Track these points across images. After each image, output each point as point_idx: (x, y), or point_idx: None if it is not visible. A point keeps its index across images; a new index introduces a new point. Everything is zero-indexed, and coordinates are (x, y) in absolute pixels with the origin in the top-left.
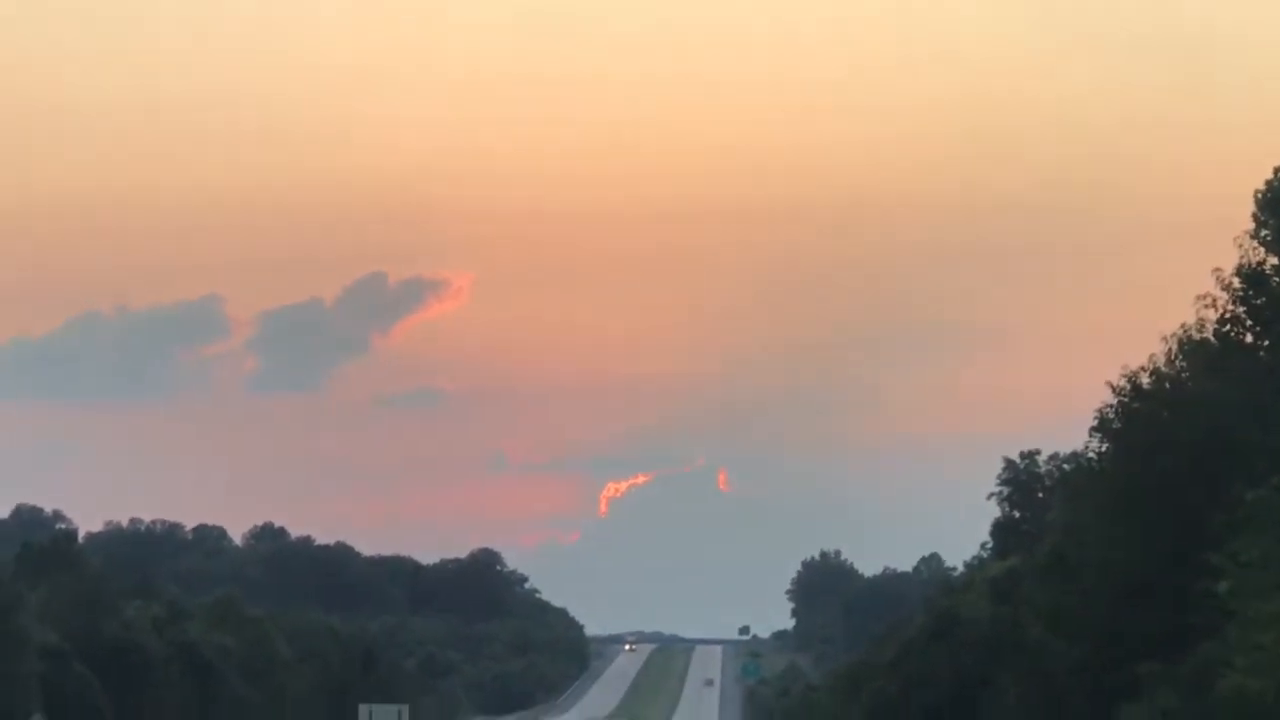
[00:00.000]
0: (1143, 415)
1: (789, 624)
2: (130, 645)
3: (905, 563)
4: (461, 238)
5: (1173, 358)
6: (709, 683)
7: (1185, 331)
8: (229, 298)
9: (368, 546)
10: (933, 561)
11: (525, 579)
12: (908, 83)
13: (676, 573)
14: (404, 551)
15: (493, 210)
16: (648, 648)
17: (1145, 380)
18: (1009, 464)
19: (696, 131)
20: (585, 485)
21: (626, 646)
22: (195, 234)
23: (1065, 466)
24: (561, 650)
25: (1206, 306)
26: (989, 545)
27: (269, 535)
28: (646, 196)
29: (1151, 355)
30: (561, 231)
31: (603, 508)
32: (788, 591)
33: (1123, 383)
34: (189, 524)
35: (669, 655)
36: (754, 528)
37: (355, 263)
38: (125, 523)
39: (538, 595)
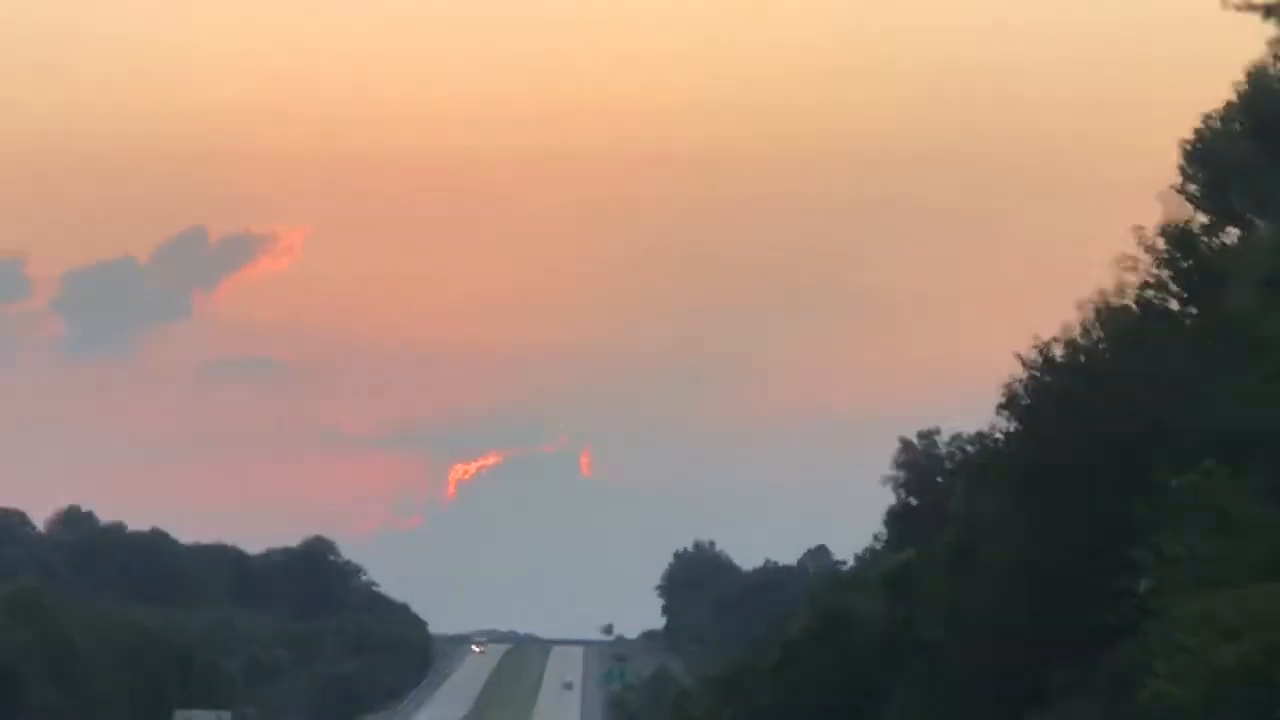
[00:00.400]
0: (1055, 391)
1: (658, 623)
2: None
3: (789, 555)
4: (293, 187)
5: (1089, 327)
6: (567, 686)
7: (1103, 298)
8: (30, 255)
9: (186, 533)
10: (819, 554)
11: (362, 570)
12: (795, 11)
13: (532, 565)
14: (226, 539)
15: (328, 155)
16: (499, 649)
17: (1058, 352)
18: (906, 445)
19: (554, 66)
20: (430, 465)
21: (475, 648)
22: None
23: (968, 448)
24: (402, 651)
25: (1127, 270)
26: (883, 536)
27: (75, 520)
28: (500, 140)
29: (1065, 324)
30: (406, 179)
31: (450, 490)
32: (657, 587)
33: (1033, 354)
34: None
35: (523, 657)
36: (620, 515)
37: (173, 215)
38: None
39: (376, 588)
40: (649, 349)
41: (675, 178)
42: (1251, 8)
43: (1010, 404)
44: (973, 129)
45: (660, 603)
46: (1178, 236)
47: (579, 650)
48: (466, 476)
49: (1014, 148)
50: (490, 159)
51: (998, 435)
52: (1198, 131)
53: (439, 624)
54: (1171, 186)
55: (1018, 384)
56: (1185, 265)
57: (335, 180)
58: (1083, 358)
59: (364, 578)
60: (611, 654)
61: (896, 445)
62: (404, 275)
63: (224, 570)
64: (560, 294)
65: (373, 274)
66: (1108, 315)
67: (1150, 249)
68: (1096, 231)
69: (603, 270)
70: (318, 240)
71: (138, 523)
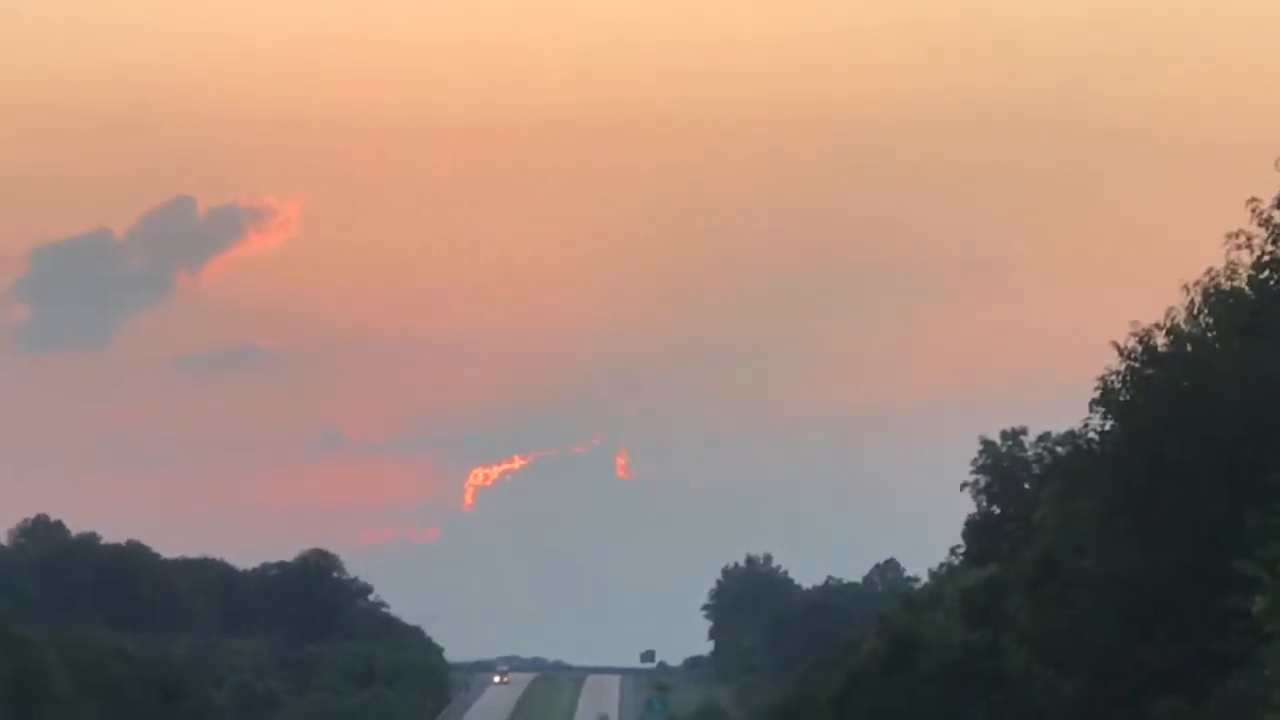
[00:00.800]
0: (1157, 385)
1: (705, 648)
2: None
3: (854, 572)
4: (289, 155)
5: (1196, 312)
6: (603, 718)
7: (1212, 279)
8: None
9: (168, 547)
10: (889, 570)
11: (369, 589)
12: None
13: (561, 583)
14: (214, 553)
15: (328, 119)
16: (525, 678)
17: (1160, 341)
18: (987, 446)
19: (581, 19)
20: (446, 470)
21: (496, 678)
22: None
23: (1058, 450)
24: (415, 680)
25: (1239, 247)
26: (961, 550)
27: (41, 532)
28: (522, 104)
29: (1169, 309)
30: (416, 147)
31: (468, 499)
32: (704, 608)
33: (1132, 344)
34: None
35: (552, 688)
36: (661, 526)
37: (154, 186)
38: None
39: (385, 610)
40: (693, 336)
41: (724, 143)
42: None
43: (1106, 400)
44: (1065, 89)
45: (707, 625)
46: None
47: (615, 679)
48: (487, 482)
49: (1112, 109)
50: (511, 125)
51: (1091, 435)
52: None
53: (456, 650)
54: None
55: (1114, 377)
56: None
57: (335, 147)
58: (1189, 347)
59: (371, 598)
60: (652, 684)
61: (977, 446)
62: (414, 255)
63: (210, 588)
64: (592, 275)
65: (378, 253)
66: (1217, 299)
67: (1267, 223)
68: (1205, 204)
69: (640, 248)
70: (316, 214)
71: (113, 534)
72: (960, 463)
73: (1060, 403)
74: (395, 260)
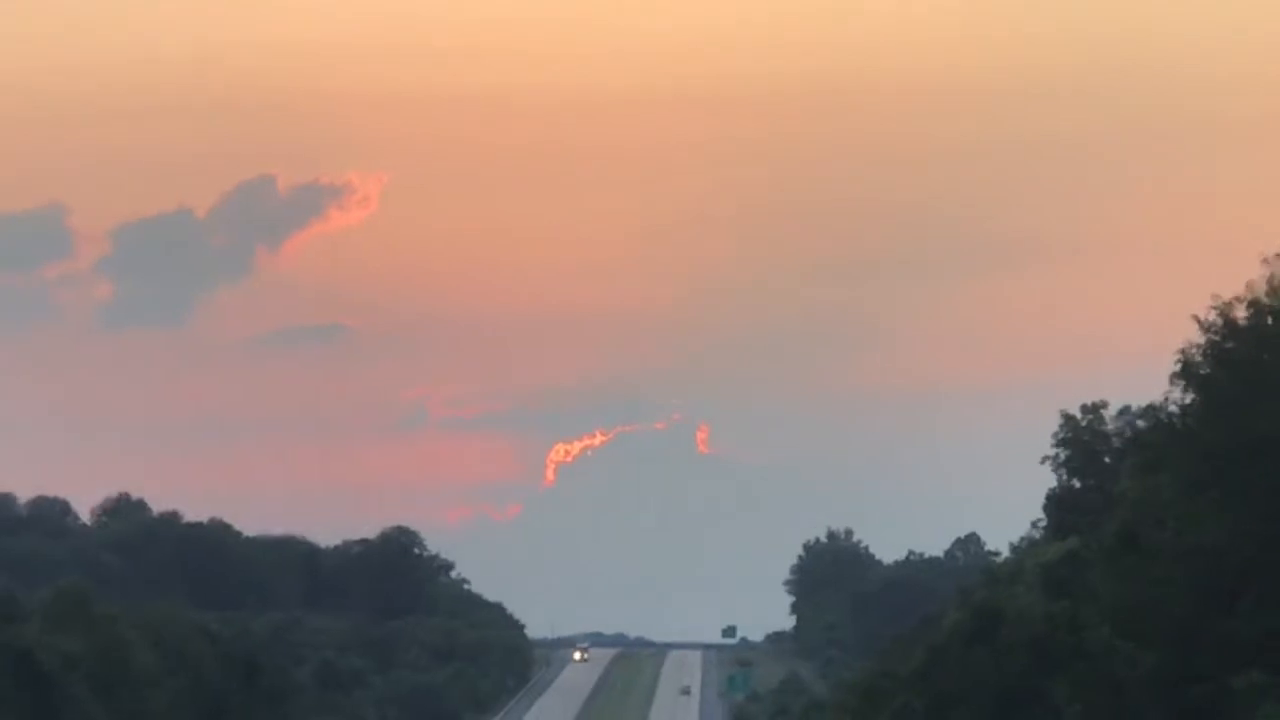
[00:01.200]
0: (1237, 358)
1: (786, 624)
2: None
3: (935, 546)
4: (370, 132)
5: (1276, 285)
6: (685, 691)
7: None
8: (75, 208)
9: (251, 524)
10: (970, 544)
11: (451, 565)
12: None
13: (643, 558)
14: (297, 531)
15: (409, 97)
16: (606, 654)
17: (1241, 314)
18: (1067, 420)
19: None
20: (527, 447)
21: (576, 655)
22: (33, 128)
23: (1139, 423)
24: (496, 657)
25: None
26: (1042, 523)
27: (125, 511)
28: (602, 80)
29: (1249, 282)
30: (495, 124)
31: (549, 475)
32: (786, 582)
33: (1212, 317)
34: (22, 496)
35: (634, 663)
36: (742, 501)
37: (236, 164)
38: None
39: (466, 587)
40: (773, 311)
41: (800, 118)
42: None
43: (1187, 373)
44: (1141, 60)
45: (789, 601)
46: None
47: (697, 655)
48: (568, 459)
49: (1190, 80)
50: (590, 100)
51: (1172, 409)
52: None
53: (537, 626)
54: None
55: (1195, 350)
56: None
57: (417, 123)
58: (1270, 320)
59: (453, 574)
60: (734, 659)
61: (1057, 420)
62: (495, 230)
63: (293, 566)
64: (672, 250)
65: (459, 229)
66: None
67: None
68: None
69: (720, 223)
70: (397, 190)
71: (195, 513)
72: (1040, 437)
73: (1141, 376)
74: (476, 237)
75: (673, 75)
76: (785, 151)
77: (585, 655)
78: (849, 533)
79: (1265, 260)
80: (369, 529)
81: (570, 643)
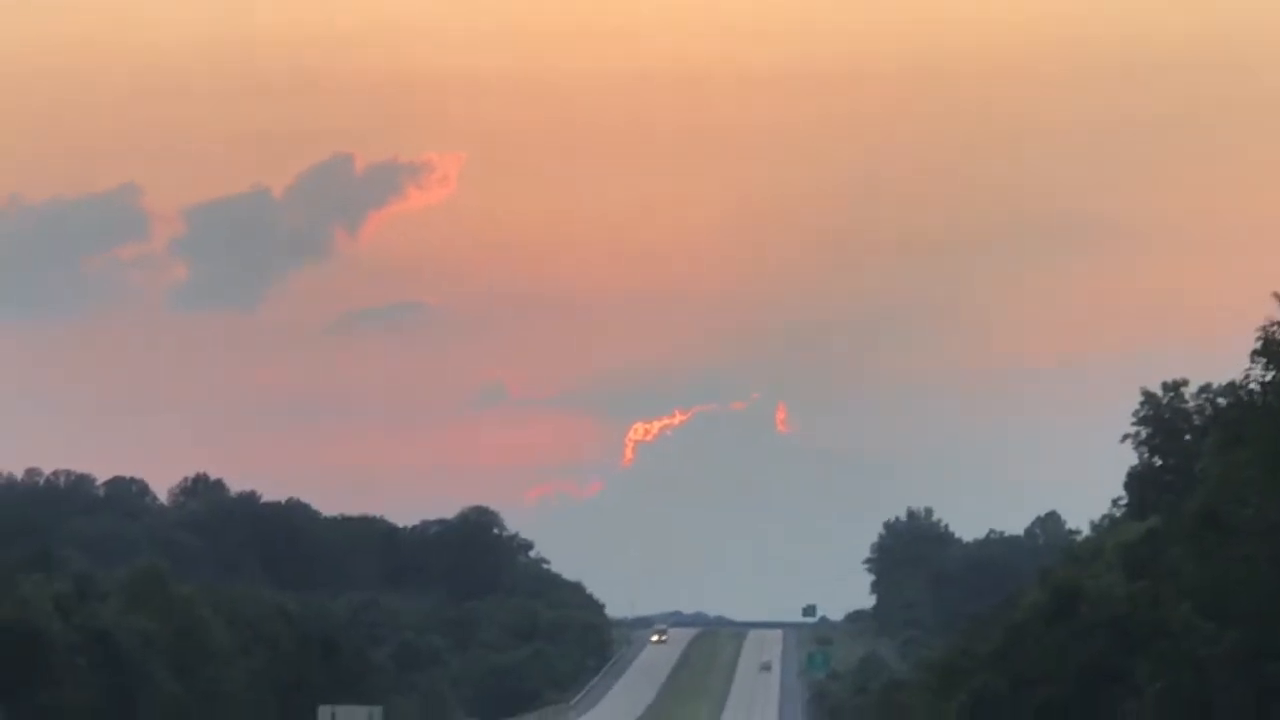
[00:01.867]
0: None
1: (867, 602)
2: (26, 630)
3: (1015, 525)
4: (448, 112)
5: None
6: (765, 667)
7: None
8: (149, 188)
9: (328, 504)
10: (1050, 523)
11: (530, 545)
12: None
13: (722, 538)
14: (375, 511)
15: (488, 77)
16: (687, 633)
17: None
18: (1148, 398)
19: None
20: (606, 426)
21: (654, 637)
22: (107, 108)
23: (1219, 401)
24: (576, 637)
25: None
26: (1122, 502)
27: (202, 490)
28: (682, 58)
29: None
30: (576, 102)
31: (628, 454)
32: (865, 561)
33: None
34: (100, 476)
35: (713, 643)
36: (821, 480)
37: (313, 143)
38: (19, 475)
39: (545, 566)
40: (852, 290)
41: (880, 98)
42: None
43: (1267, 350)
44: (1225, 35)
45: (869, 580)
46: None
47: (777, 634)
48: (647, 438)
49: (1274, 56)
50: (671, 79)
51: (1253, 386)
52: None
53: (617, 606)
54: None
55: (1275, 328)
56: None
57: (496, 102)
58: None
59: (532, 554)
60: (813, 638)
61: (1139, 398)
62: (575, 210)
63: (371, 546)
64: (751, 230)
65: (539, 209)
66: None
67: None
68: None
69: (798, 203)
70: (476, 170)
71: (273, 493)
72: (1121, 415)
73: (1221, 354)
74: (556, 216)
75: (753, 54)
76: (867, 131)
77: (663, 637)
78: (929, 511)
79: None
80: (448, 509)
81: (649, 622)
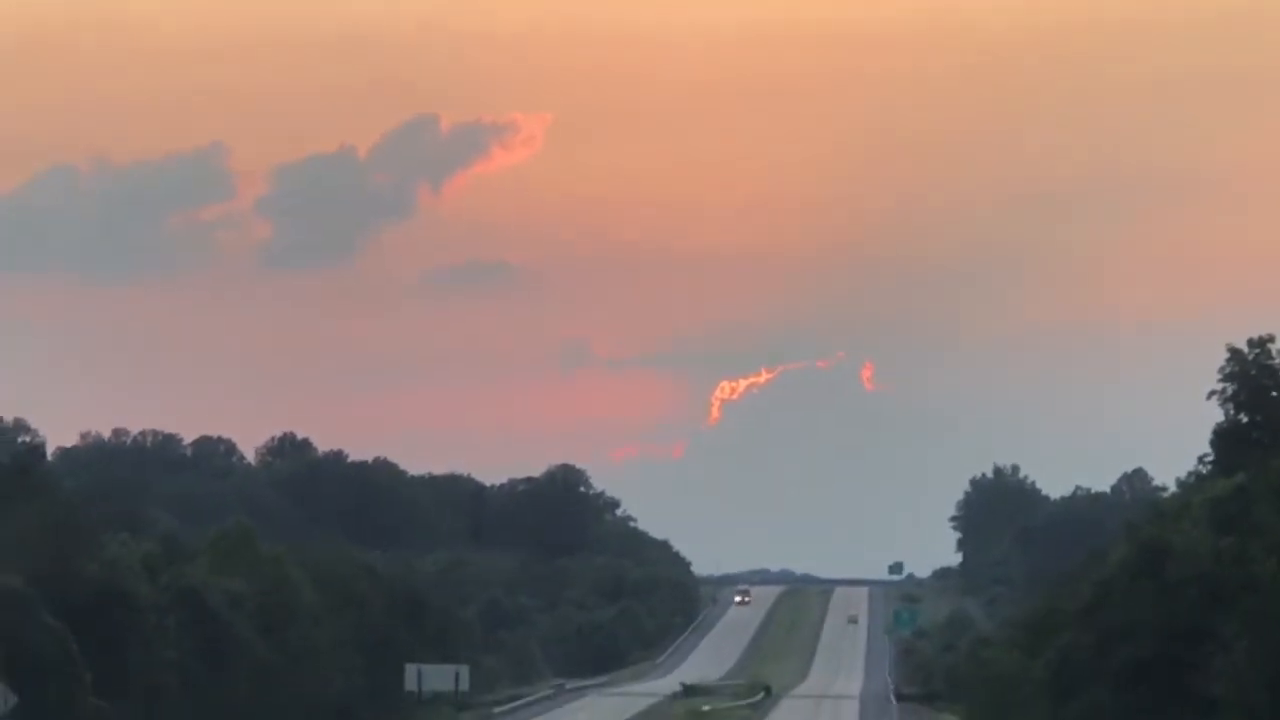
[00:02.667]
0: None
1: (953, 560)
2: (114, 591)
3: (1102, 481)
4: (535, 70)
5: None
6: (852, 620)
7: None
8: (235, 147)
9: (415, 463)
10: (1137, 479)
11: (617, 504)
12: None
13: (808, 496)
14: (462, 469)
15: (573, 36)
16: (773, 591)
17: None
18: (1235, 354)
19: None
20: (692, 385)
21: (737, 598)
22: (193, 67)
23: None
24: (663, 594)
25: None
26: (1209, 459)
27: (289, 450)
28: (769, 13)
29: None
30: (663, 61)
31: (714, 413)
32: (952, 519)
33: None
34: (187, 437)
35: (801, 599)
36: (907, 438)
37: (399, 102)
38: (107, 435)
39: (632, 524)
40: (939, 247)
41: (967, 51)
42: None
43: None
44: None
45: (955, 537)
46: None
47: (863, 591)
48: (733, 396)
49: None
50: (754, 35)
51: None
52: None
53: (704, 564)
54: None
55: None
56: None
57: (581, 61)
58: None
59: (619, 512)
60: (900, 595)
61: (1226, 354)
62: (659, 170)
63: (458, 505)
64: (837, 187)
65: (624, 168)
66: None
67: None
68: None
69: (886, 159)
70: (561, 130)
71: (360, 452)
72: (1208, 372)
73: None
74: (641, 175)
75: (838, 8)
76: (955, 88)
77: (747, 598)
78: (1015, 468)
79: None
80: (534, 468)
81: (735, 580)
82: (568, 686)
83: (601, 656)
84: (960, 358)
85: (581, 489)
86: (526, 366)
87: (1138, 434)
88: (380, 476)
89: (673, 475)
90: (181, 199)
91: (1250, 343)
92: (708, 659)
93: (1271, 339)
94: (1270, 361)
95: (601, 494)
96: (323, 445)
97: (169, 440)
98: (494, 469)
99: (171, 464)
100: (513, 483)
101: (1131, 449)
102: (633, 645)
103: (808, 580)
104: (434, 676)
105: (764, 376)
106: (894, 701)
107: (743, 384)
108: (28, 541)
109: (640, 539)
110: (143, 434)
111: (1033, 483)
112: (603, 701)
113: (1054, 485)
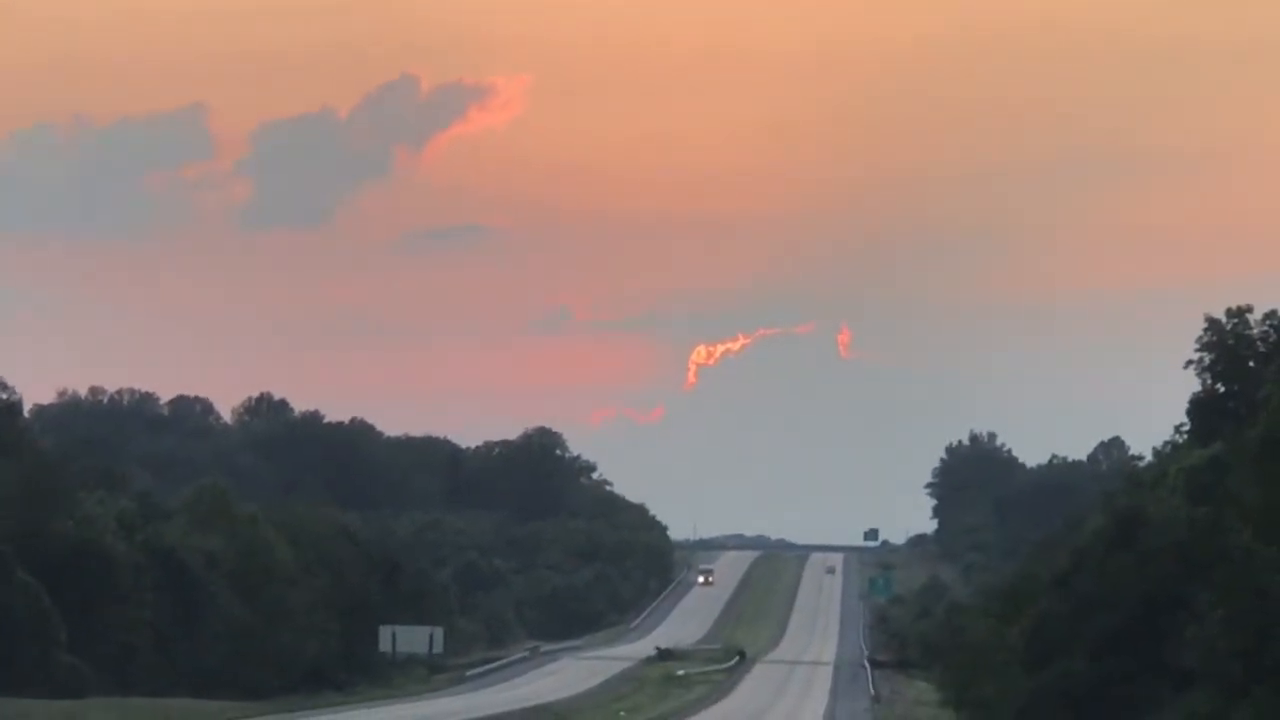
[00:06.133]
0: None
1: (929, 527)
2: (90, 549)
3: (1079, 450)
4: (514, 31)
5: None
6: (830, 570)
7: None
8: (215, 107)
9: (392, 425)
10: (1114, 448)
11: (593, 467)
12: None
13: (784, 461)
14: (438, 432)
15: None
16: (748, 556)
17: None
18: (1212, 324)
19: None
20: (669, 349)
21: (700, 578)
22: (174, 27)
23: None
24: (639, 559)
25: None
26: (1185, 428)
27: (265, 410)
28: None
29: None
30: (642, 23)
31: (691, 377)
32: (927, 486)
33: None
34: (164, 395)
35: (776, 565)
36: (884, 404)
37: (378, 63)
38: (83, 393)
39: (608, 488)
40: (915, 214)
41: (945, 18)
42: None
43: None
44: None
45: (931, 504)
46: None
47: (838, 557)
48: (710, 361)
49: None
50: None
51: None
52: None
53: (680, 528)
54: None
55: None
56: None
57: (562, 24)
58: None
59: (595, 475)
60: (876, 562)
61: (1203, 324)
62: (638, 134)
63: (434, 467)
64: (813, 153)
65: (602, 132)
66: None
67: None
68: None
69: (862, 126)
70: (540, 93)
71: (336, 413)
72: (1185, 341)
73: None
74: (620, 140)
75: None
76: (932, 53)
77: (710, 579)
78: (992, 436)
79: None
80: (510, 430)
81: (711, 545)
82: (542, 649)
83: (576, 620)
84: (937, 325)
85: (558, 452)
86: (504, 329)
87: (1115, 403)
88: (357, 438)
89: (649, 439)
90: (161, 159)
91: (1228, 313)
92: (682, 623)
93: (1249, 309)
94: (1248, 331)
95: (578, 457)
96: (300, 405)
97: (146, 399)
98: (471, 431)
99: (148, 423)
100: (489, 445)
101: (1108, 418)
102: (608, 609)
103: (783, 546)
104: (408, 638)
105: (740, 342)
106: (868, 668)
107: (719, 349)
108: (3, 499)
109: (617, 503)
110: (120, 392)
111: (1009, 450)
112: (578, 665)
113: (1030, 453)
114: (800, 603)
